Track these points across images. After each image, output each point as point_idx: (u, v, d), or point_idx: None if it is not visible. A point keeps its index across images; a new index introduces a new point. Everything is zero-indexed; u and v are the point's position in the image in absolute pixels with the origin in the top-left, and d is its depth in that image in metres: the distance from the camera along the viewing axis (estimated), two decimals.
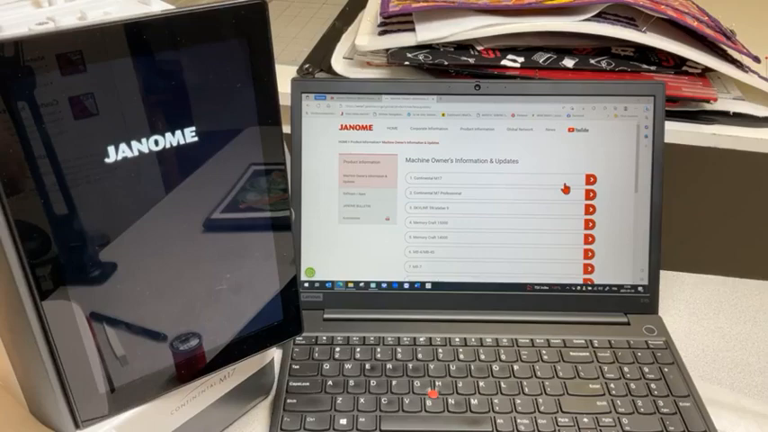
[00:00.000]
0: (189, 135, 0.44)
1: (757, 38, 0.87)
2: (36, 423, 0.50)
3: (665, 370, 0.64)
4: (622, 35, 0.78)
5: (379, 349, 0.65)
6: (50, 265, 0.41)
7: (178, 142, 0.43)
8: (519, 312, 0.69)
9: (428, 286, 0.70)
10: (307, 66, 0.86)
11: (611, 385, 0.62)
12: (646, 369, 0.64)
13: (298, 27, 1.00)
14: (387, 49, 0.82)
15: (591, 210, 0.70)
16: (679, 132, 0.77)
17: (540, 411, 0.60)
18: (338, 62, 0.86)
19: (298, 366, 0.63)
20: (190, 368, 0.50)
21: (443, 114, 0.69)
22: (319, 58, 0.87)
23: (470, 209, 0.70)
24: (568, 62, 0.80)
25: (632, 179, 0.70)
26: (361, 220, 0.70)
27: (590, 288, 0.70)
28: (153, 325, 0.47)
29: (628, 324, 0.69)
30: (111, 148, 0.41)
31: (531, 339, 0.67)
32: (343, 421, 0.59)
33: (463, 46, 0.82)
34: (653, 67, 0.80)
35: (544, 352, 0.66)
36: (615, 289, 0.70)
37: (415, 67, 0.82)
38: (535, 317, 0.69)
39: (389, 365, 0.64)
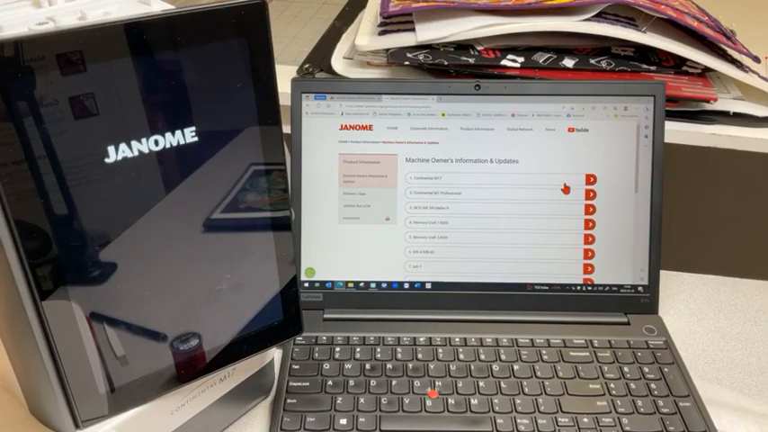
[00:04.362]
0: (189, 135, 0.44)
1: (757, 38, 0.87)
2: (36, 423, 0.50)
3: (665, 370, 0.64)
4: (622, 35, 0.78)
5: (379, 349, 0.65)
6: (50, 265, 0.41)
7: (178, 142, 0.43)
8: (519, 312, 0.69)
9: (428, 286, 0.70)
10: (307, 66, 0.86)
11: (611, 385, 0.62)
12: (646, 369, 0.64)
13: (298, 27, 1.00)
14: (387, 49, 0.82)
15: (591, 210, 0.70)
16: (679, 132, 0.77)
17: (540, 411, 0.60)
18: (338, 62, 0.86)
19: (298, 366, 0.63)
20: (190, 368, 0.50)
21: (443, 114, 0.69)
22: (319, 58, 0.87)
23: (470, 209, 0.70)
24: (568, 62, 0.80)
25: (632, 179, 0.70)
26: (361, 220, 0.70)
27: (590, 288, 0.70)
28: (153, 325, 0.47)
29: (628, 324, 0.69)
30: (111, 148, 0.41)
31: (531, 339, 0.67)
32: (343, 421, 0.59)
33: (463, 46, 0.82)
34: (653, 67, 0.80)
35: (544, 352, 0.66)
36: (615, 289, 0.70)
37: (415, 67, 0.82)
38: (535, 317, 0.69)
39: (389, 365, 0.64)
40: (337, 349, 0.65)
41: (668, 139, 0.71)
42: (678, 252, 0.80)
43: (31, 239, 0.40)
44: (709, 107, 0.79)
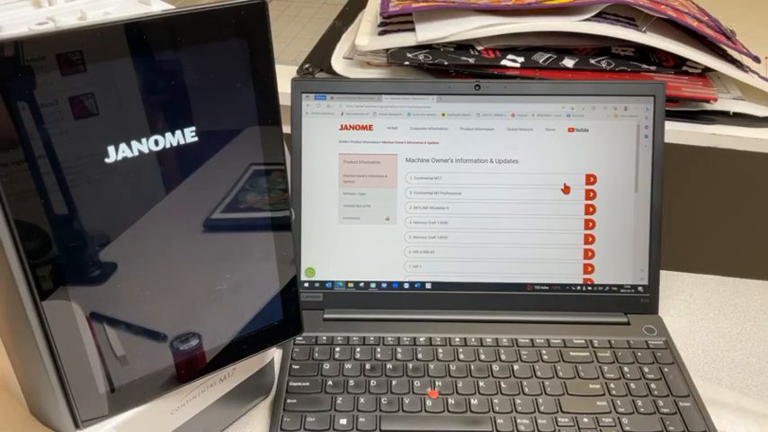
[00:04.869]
0: (189, 135, 0.44)
1: (757, 38, 0.87)
2: (36, 423, 0.50)
3: (665, 370, 0.64)
4: (622, 35, 0.78)
5: (379, 349, 0.65)
6: (50, 265, 0.41)
7: (178, 142, 0.43)
8: (519, 312, 0.69)
9: (428, 286, 0.70)
10: (307, 66, 0.86)
11: (611, 385, 0.62)
12: (646, 369, 0.64)
13: (298, 27, 1.00)
14: (387, 49, 0.82)
15: (591, 210, 0.70)
16: (679, 132, 0.77)
17: (540, 411, 0.60)
18: (338, 62, 0.86)
19: (298, 366, 0.63)
20: (190, 368, 0.50)
21: (443, 114, 0.69)
22: (319, 58, 0.87)
23: (470, 209, 0.70)
24: (568, 62, 0.80)
25: (632, 179, 0.70)
26: (361, 220, 0.70)
27: (590, 288, 0.70)
28: (153, 325, 0.47)
29: (628, 324, 0.69)
30: (111, 148, 0.41)
31: (531, 339, 0.67)
32: (343, 421, 0.59)
33: (463, 46, 0.82)
34: (653, 67, 0.80)
35: (544, 352, 0.66)
36: (615, 289, 0.70)
37: (415, 67, 0.82)
38: (535, 317, 0.69)
39: (389, 365, 0.64)
40: (337, 349, 0.65)
41: (668, 139, 0.71)
42: (678, 252, 0.80)
43: (31, 239, 0.40)
44: (709, 107, 0.79)
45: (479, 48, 0.82)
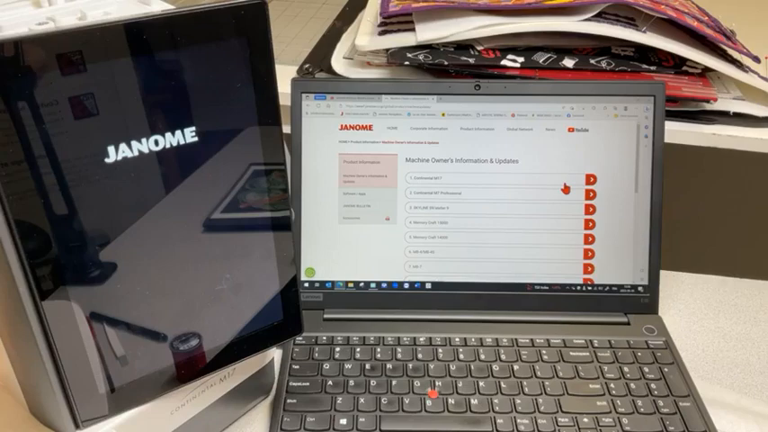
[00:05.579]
0: (189, 135, 0.44)
1: (757, 38, 0.87)
2: (36, 423, 0.50)
3: (665, 370, 0.64)
4: (622, 35, 0.78)
5: (379, 349, 0.65)
6: (50, 265, 0.41)
7: (178, 142, 0.43)
8: (519, 312, 0.69)
9: (428, 286, 0.70)
10: (307, 66, 0.86)
11: (611, 385, 0.62)
12: (646, 369, 0.64)
13: (298, 27, 1.00)
14: (387, 49, 0.82)
15: (591, 210, 0.70)
16: (679, 132, 0.77)
17: (540, 411, 0.60)
18: (338, 62, 0.86)
19: (298, 366, 0.63)
20: (190, 368, 0.50)
21: (443, 114, 0.69)
22: (319, 58, 0.87)
23: (470, 209, 0.70)
24: (568, 62, 0.80)
25: (632, 179, 0.70)
26: (361, 220, 0.70)
27: (590, 288, 0.70)
28: (153, 325, 0.47)
29: (628, 324, 0.69)
30: (111, 148, 0.41)
31: (531, 339, 0.67)
32: (343, 421, 0.59)
33: (463, 46, 0.82)
34: (653, 67, 0.80)
35: (544, 352, 0.66)
36: (615, 289, 0.70)
37: (415, 67, 0.82)
38: (535, 317, 0.69)
39: (389, 365, 0.64)
40: (337, 349, 0.65)
41: (668, 139, 0.71)
42: (678, 252, 0.80)
43: (31, 239, 0.40)
44: (709, 107, 0.79)
45: (479, 48, 0.82)
